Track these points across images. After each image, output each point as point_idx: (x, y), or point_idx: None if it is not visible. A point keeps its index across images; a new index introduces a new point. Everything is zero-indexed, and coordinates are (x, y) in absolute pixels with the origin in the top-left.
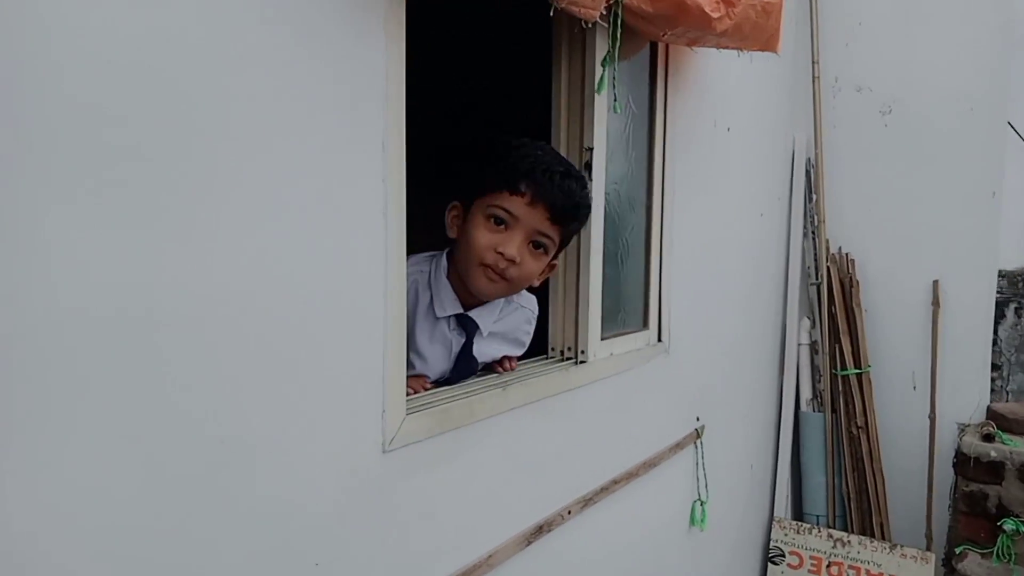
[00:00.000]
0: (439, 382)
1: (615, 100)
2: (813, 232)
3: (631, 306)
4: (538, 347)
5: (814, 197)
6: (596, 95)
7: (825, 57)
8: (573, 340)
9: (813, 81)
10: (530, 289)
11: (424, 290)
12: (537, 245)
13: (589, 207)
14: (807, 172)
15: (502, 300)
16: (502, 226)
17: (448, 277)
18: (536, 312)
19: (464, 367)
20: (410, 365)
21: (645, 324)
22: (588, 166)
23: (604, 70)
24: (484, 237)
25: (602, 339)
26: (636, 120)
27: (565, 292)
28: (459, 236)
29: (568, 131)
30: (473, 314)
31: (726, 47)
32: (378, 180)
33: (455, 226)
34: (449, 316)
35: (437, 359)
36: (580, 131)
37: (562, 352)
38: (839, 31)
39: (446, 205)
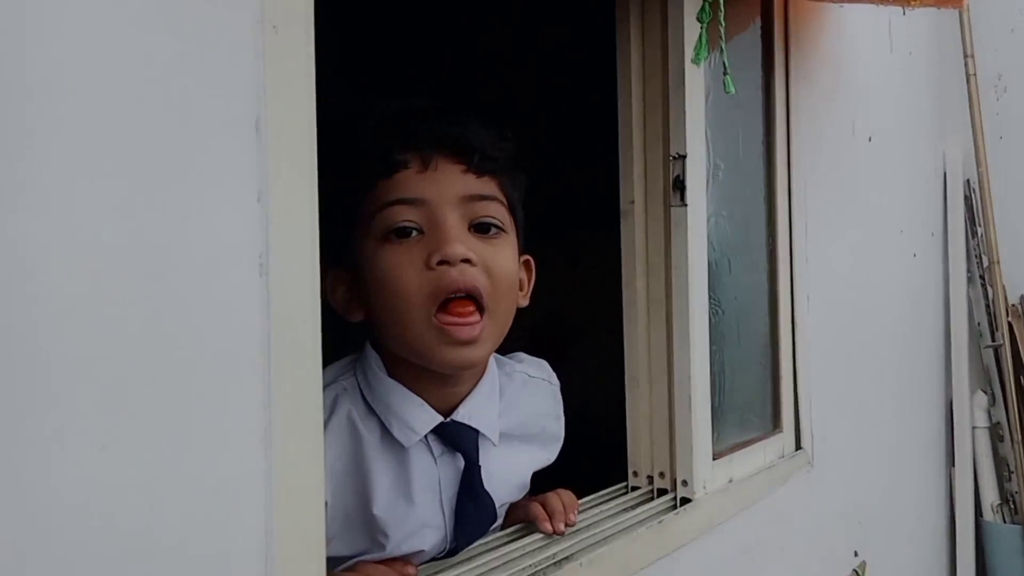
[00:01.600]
0: (436, 556)
1: (726, 73)
2: (981, 277)
3: (753, 399)
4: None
5: (979, 230)
6: (688, 68)
7: (982, 49)
8: (667, 462)
9: (967, 79)
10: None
11: (363, 415)
12: (483, 226)
13: (514, 140)
14: (966, 198)
15: (495, 371)
16: (414, 234)
17: (392, 375)
18: (557, 382)
19: (474, 514)
20: (372, 543)
21: (776, 425)
22: (678, 184)
23: (703, 27)
24: (402, 269)
25: (715, 457)
26: (745, 118)
27: (651, 380)
28: (367, 308)
29: (645, 130)
30: (462, 416)
31: None
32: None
33: (351, 301)
34: (424, 437)
35: (422, 516)
36: (663, 129)
37: (650, 479)
38: (999, 14)
39: None
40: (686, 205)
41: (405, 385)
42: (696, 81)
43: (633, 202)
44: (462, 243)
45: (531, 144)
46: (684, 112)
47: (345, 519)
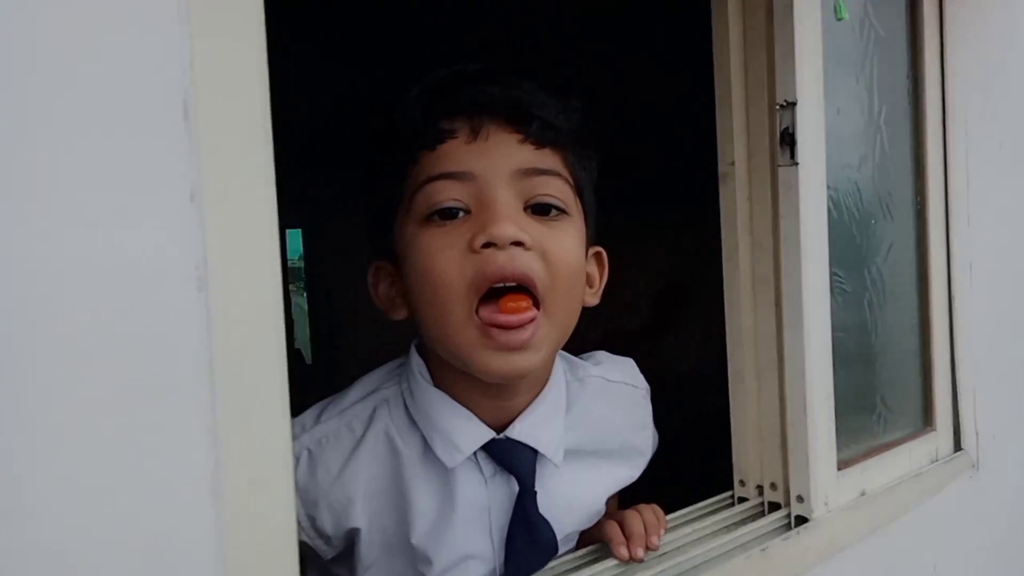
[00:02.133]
0: None
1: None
2: None
3: (894, 392)
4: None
5: None
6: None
7: None
8: (780, 472)
9: None
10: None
11: (404, 428)
12: (542, 207)
13: (583, 109)
14: None
15: (561, 377)
16: (460, 215)
17: (438, 384)
18: (645, 386)
19: (527, 548)
20: (414, 572)
21: (928, 422)
22: (787, 138)
23: None
24: (442, 253)
25: (841, 467)
26: (881, 52)
27: (759, 374)
28: (410, 303)
29: (746, 75)
30: (518, 432)
31: None
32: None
33: (393, 296)
34: (473, 455)
35: (467, 545)
36: (768, 74)
37: (760, 489)
38: None
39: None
40: (797, 163)
41: (452, 395)
42: (808, 7)
43: (733, 163)
44: (514, 223)
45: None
46: (792, 48)
47: (384, 544)
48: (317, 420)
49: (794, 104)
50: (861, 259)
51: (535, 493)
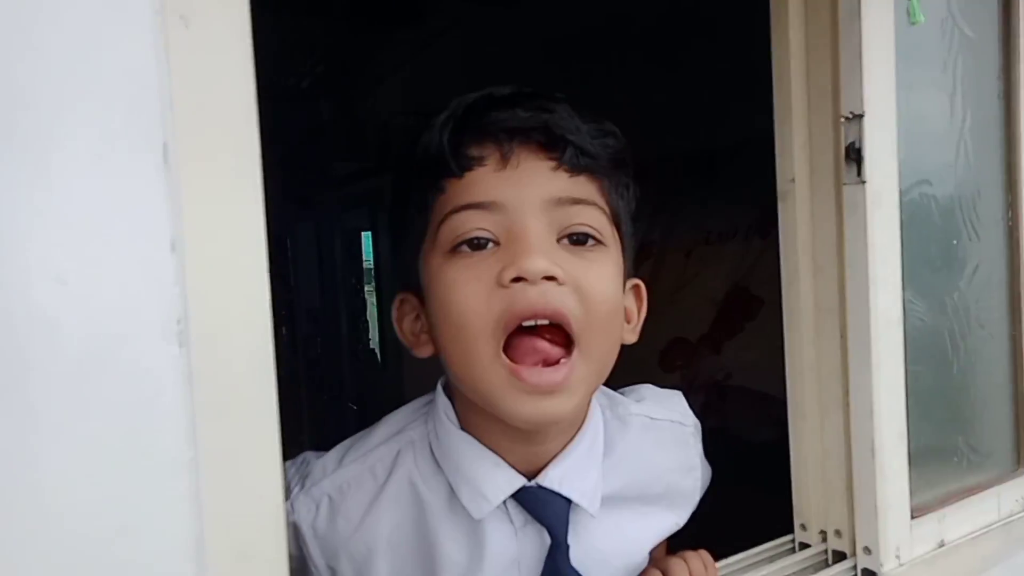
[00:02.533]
0: None
1: (916, 2)
2: None
3: (981, 430)
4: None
5: None
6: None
7: None
8: (846, 518)
9: None
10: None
11: (429, 474)
12: (577, 238)
13: (618, 135)
14: None
15: (598, 419)
16: (489, 246)
17: (465, 426)
18: (695, 421)
19: None
20: None
21: (1019, 462)
22: (853, 154)
23: None
24: (467, 286)
25: (915, 514)
26: (967, 55)
27: (822, 411)
28: (436, 341)
29: (808, 84)
30: (551, 480)
31: None
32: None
33: (419, 332)
34: (503, 503)
35: None
36: (832, 83)
37: (823, 535)
38: None
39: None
40: (864, 181)
41: (479, 439)
42: (878, 9)
43: (794, 180)
44: (546, 256)
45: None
46: (859, 54)
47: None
48: (339, 464)
49: (861, 116)
50: (941, 284)
51: (568, 547)
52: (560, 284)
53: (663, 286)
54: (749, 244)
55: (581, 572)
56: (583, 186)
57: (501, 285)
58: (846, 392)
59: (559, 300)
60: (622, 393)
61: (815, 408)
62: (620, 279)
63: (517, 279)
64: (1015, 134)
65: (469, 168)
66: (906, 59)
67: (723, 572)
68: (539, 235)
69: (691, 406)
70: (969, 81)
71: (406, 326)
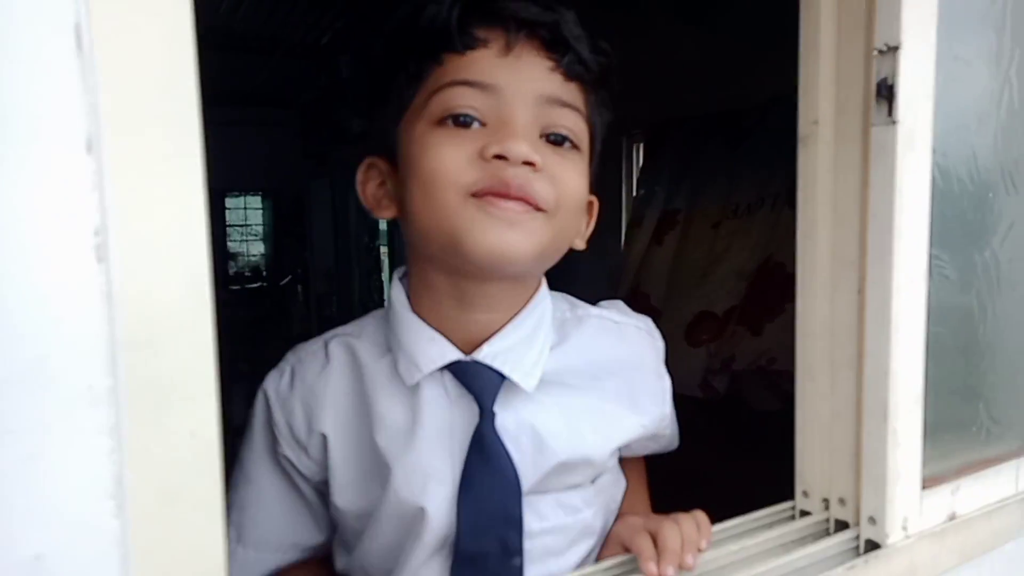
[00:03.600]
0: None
1: None
2: None
3: (1004, 398)
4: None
5: None
6: None
7: None
8: (852, 486)
9: None
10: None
11: (377, 355)
12: (558, 138)
13: (611, 57)
14: None
15: (546, 306)
16: (475, 125)
17: (416, 309)
18: (662, 343)
19: (483, 477)
20: (380, 482)
21: None
22: (885, 91)
23: None
24: (446, 154)
25: (926, 484)
26: None
27: (833, 371)
28: (400, 202)
29: (839, 9)
30: (486, 354)
31: None
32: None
33: (383, 196)
34: (441, 376)
35: (428, 461)
36: (867, 9)
37: (826, 503)
38: None
39: None
40: (895, 122)
41: (425, 318)
42: None
43: (817, 122)
44: (530, 144)
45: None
46: None
47: (357, 458)
48: (305, 342)
49: (896, 48)
50: (972, 239)
51: (494, 415)
52: (537, 171)
53: (693, 258)
54: (779, 215)
55: (513, 448)
56: (573, 92)
57: (482, 158)
58: (860, 352)
59: (534, 187)
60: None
61: (825, 368)
62: (586, 182)
63: (499, 156)
64: None
65: (472, 47)
66: None
67: (718, 537)
68: (526, 125)
69: (736, 390)
70: (1020, 17)
71: (370, 190)
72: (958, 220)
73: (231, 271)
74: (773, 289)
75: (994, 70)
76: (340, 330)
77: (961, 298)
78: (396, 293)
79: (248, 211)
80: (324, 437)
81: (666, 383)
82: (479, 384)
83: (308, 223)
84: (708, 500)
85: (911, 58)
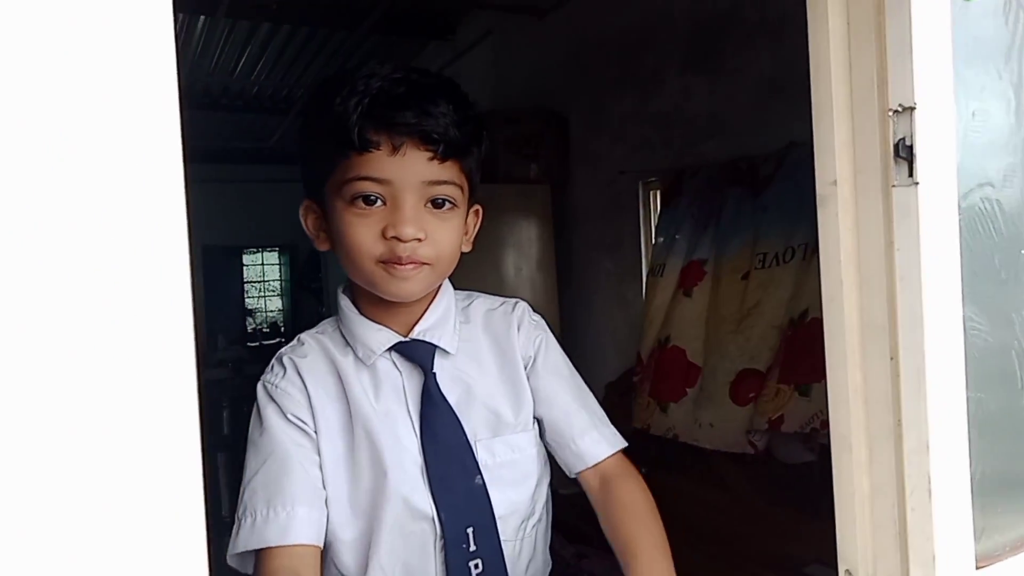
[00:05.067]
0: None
1: None
2: None
3: None
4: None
5: None
6: None
7: None
8: (899, 567)
9: None
10: None
11: (341, 348)
12: (438, 203)
13: (477, 117)
14: None
15: (450, 295)
16: (378, 203)
17: (362, 311)
18: (520, 304)
19: (437, 420)
20: (366, 442)
21: None
22: (903, 151)
23: None
24: (361, 233)
25: (980, 565)
26: None
27: (871, 442)
28: (332, 245)
29: (851, 72)
30: (418, 332)
31: None
32: None
33: (319, 232)
34: (390, 356)
35: (393, 413)
36: (878, 72)
37: None
38: None
39: None
40: (916, 183)
41: (370, 317)
42: None
43: (835, 183)
44: (415, 223)
45: None
46: (909, 38)
47: (338, 416)
48: (294, 342)
49: (912, 109)
50: (1007, 298)
51: (435, 374)
52: (422, 242)
53: (726, 312)
54: (810, 264)
55: (449, 394)
56: (448, 169)
57: (384, 237)
58: (898, 421)
59: (422, 255)
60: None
61: (862, 439)
62: (462, 226)
63: (395, 238)
64: None
65: (367, 150)
66: (962, 46)
67: None
68: (413, 206)
69: (790, 457)
70: None
71: (310, 224)
72: (991, 279)
73: (249, 328)
74: (816, 345)
75: (1017, 123)
76: (307, 332)
77: (1001, 359)
78: (344, 303)
79: (266, 267)
80: (311, 406)
81: (543, 325)
82: (419, 354)
83: (324, 277)
84: (745, 557)
85: (928, 117)
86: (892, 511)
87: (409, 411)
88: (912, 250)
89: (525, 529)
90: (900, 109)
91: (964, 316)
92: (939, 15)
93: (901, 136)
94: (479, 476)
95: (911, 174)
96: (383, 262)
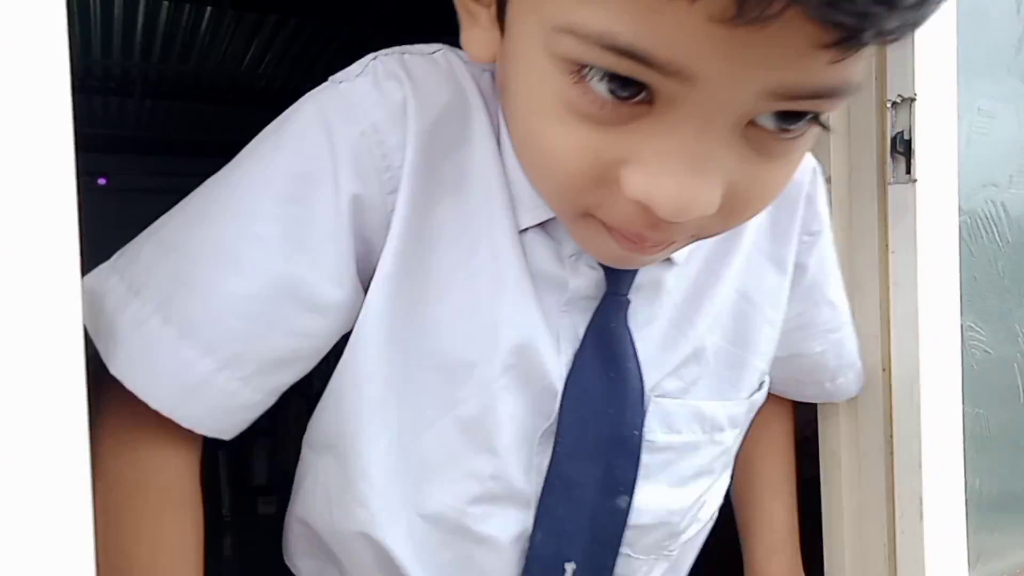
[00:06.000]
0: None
1: None
2: None
3: None
4: None
5: None
6: None
7: None
8: None
9: None
10: None
11: (484, 125)
12: (790, 115)
13: None
14: None
15: None
16: (642, 94)
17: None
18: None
19: (601, 385)
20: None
21: None
22: (902, 146)
23: None
24: (569, 149)
25: None
26: None
27: (860, 455)
28: (500, 76)
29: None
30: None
31: None
32: None
33: (479, 27)
34: (556, 229)
35: (509, 339)
36: (877, 61)
37: None
38: None
39: None
40: (915, 180)
41: None
42: None
43: (829, 179)
44: (716, 189)
45: None
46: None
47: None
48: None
49: (912, 100)
50: (1010, 308)
51: (628, 302)
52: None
53: None
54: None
55: (641, 338)
56: (841, 69)
57: (617, 179)
58: (889, 437)
59: (689, 230)
60: None
61: (852, 454)
62: (805, 151)
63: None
64: None
65: None
66: (969, 38)
67: None
68: (723, 135)
69: None
70: None
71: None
72: (993, 288)
73: None
74: None
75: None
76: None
77: (1002, 373)
78: (485, 82)
79: None
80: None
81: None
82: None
83: None
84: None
85: (929, 109)
86: (881, 533)
87: (561, 336)
88: (908, 252)
89: (673, 544)
90: (899, 100)
91: (963, 325)
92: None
93: (900, 130)
94: (626, 497)
95: (909, 171)
96: (603, 223)
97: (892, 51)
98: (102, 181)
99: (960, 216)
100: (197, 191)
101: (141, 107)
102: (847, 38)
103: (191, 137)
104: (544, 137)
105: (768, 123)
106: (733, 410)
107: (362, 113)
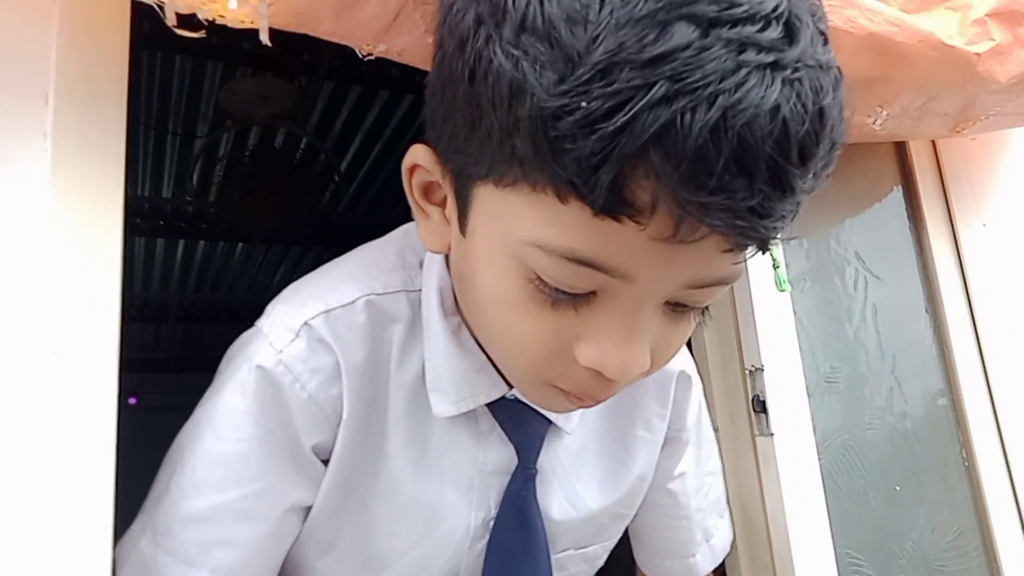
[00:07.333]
0: None
1: (776, 267)
2: None
3: None
4: None
5: None
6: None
7: None
8: None
9: None
10: None
11: (404, 348)
12: (679, 305)
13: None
14: None
15: None
16: (576, 299)
17: (461, 311)
18: (694, 377)
19: (518, 544)
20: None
21: None
22: (758, 405)
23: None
24: (530, 334)
25: None
26: (881, 293)
27: None
28: (455, 262)
29: (719, 334)
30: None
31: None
32: None
33: (433, 224)
34: (474, 411)
35: (440, 532)
36: (736, 336)
37: None
38: None
39: None
40: (772, 434)
41: (465, 337)
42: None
43: (717, 429)
44: (643, 353)
45: None
46: (752, 312)
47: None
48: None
49: (761, 370)
50: (887, 535)
51: (535, 473)
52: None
53: None
54: None
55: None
56: (731, 267)
57: (571, 354)
58: None
59: (631, 378)
60: None
61: None
62: (694, 325)
63: (597, 370)
64: (951, 368)
65: (617, 216)
66: (809, 313)
67: None
68: (650, 321)
69: None
70: (888, 321)
71: (420, 193)
72: (866, 514)
73: None
74: None
75: (878, 371)
76: (364, 282)
77: None
78: (433, 284)
79: None
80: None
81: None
82: (524, 427)
83: None
84: None
85: (777, 377)
86: None
87: (473, 501)
88: (775, 496)
89: None
90: (752, 369)
91: (837, 556)
92: (780, 295)
93: (756, 392)
94: None
95: (768, 426)
96: (551, 386)
97: (743, 330)
98: (132, 401)
99: (820, 460)
100: (172, 469)
101: (174, 331)
102: (746, 245)
103: (219, 355)
104: (509, 324)
105: (679, 298)
106: (610, 545)
107: (300, 387)
